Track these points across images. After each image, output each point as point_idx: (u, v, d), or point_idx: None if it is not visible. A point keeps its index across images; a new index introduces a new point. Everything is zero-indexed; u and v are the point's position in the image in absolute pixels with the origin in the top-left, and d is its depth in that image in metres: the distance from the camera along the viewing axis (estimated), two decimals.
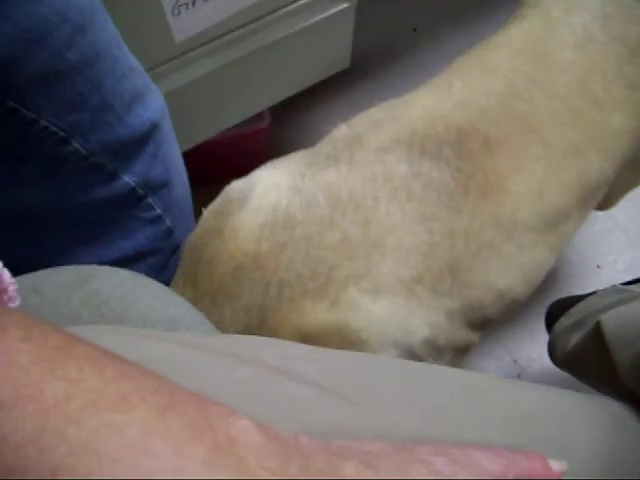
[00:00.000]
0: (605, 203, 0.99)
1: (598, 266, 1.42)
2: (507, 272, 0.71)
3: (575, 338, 0.79)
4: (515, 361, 1.31)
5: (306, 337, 0.62)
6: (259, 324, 0.63)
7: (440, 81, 0.76)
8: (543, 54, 0.75)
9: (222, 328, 0.63)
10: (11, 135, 0.65)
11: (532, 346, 1.33)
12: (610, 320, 0.67)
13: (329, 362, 0.45)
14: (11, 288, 0.32)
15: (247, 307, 0.63)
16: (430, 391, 0.43)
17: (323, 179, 0.68)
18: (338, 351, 0.49)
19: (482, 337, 1.32)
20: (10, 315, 0.28)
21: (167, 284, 0.71)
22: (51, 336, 0.28)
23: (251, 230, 0.65)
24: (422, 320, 0.66)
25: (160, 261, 0.84)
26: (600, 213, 1.48)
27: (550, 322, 1.01)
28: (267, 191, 0.68)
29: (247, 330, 0.63)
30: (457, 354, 0.75)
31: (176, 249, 0.85)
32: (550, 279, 1.40)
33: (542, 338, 1.32)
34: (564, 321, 0.90)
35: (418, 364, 0.48)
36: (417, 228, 0.65)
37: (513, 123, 0.71)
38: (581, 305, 0.89)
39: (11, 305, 0.33)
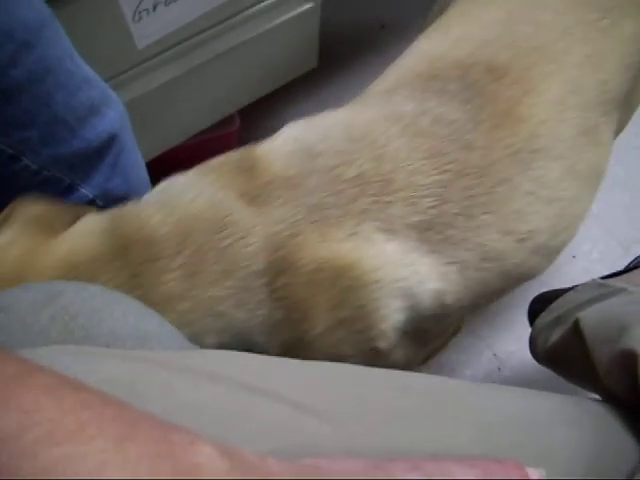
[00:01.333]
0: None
1: (573, 256, 1.43)
2: (528, 212, 0.66)
3: (555, 334, 0.79)
4: (495, 355, 1.31)
5: (321, 268, 0.61)
6: (284, 242, 0.62)
7: (437, 26, 0.74)
8: None
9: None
10: None
11: (511, 339, 1.33)
12: (588, 317, 0.67)
13: (302, 375, 0.44)
14: None
15: (277, 220, 0.62)
16: (405, 399, 0.42)
17: (338, 116, 0.68)
18: (312, 362, 0.48)
19: (460, 334, 1.33)
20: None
21: None
22: (7, 365, 0.27)
23: (280, 155, 0.65)
24: (432, 269, 0.63)
25: None
26: None
27: (533, 317, 1.01)
28: (289, 127, 0.69)
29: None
30: (461, 321, 0.73)
31: None
32: None
33: (521, 331, 1.33)
34: (545, 316, 0.90)
35: (394, 372, 0.48)
36: (427, 166, 0.62)
37: (517, 46, 0.67)
38: (561, 301, 0.89)
39: None
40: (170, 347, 0.59)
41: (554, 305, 0.90)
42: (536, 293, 1.35)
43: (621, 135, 0.90)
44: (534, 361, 1.30)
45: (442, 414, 0.41)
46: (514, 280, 0.71)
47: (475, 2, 0.73)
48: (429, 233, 0.63)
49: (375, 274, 0.61)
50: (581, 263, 1.42)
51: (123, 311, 0.57)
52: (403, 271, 0.62)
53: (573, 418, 0.48)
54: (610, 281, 0.88)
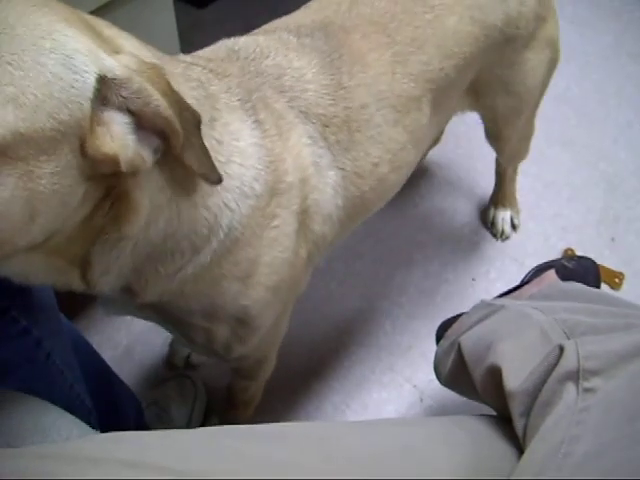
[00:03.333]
0: (499, 135, 1.22)
1: (473, 279, 1.50)
2: (377, 143, 0.84)
3: (450, 359, 0.83)
4: (414, 386, 1.35)
5: None
6: None
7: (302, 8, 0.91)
8: None
9: None
10: None
11: (427, 368, 1.36)
12: (467, 340, 0.71)
13: (180, 443, 0.46)
14: None
15: None
16: (285, 450, 0.45)
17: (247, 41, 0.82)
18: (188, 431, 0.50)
19: (377, 369, 1.36)
20: None
21: (43, 391, 0.70)
22: None
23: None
24: (330, 164, 0.79)
25: (32, 371, 0.82)
26: (468, 228, 1.57)
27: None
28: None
29: None
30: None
31: (48, 356, 0.83)
32: (431, 300, 1.46)
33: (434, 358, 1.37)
34: (443, 343, 0.94)
35: (270, 425, 0.50)
36: (312, 75, 0.79)
37: (361, 19, 0.86)
38: (455, 326, 0.93)
39: None
40: (70, 436, 0.60)
41: (449, 331, 0.94)
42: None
43: None
44: None
45: (319, 459, 0.44)
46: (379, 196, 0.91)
47: None
48: (327, 130, 0.78)
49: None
50: (481, 284, 1.49)
51: (25, 409, 0.58)
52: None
53: (451, 437, 0.51)
54: (496, 300, 0.93)
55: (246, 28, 0.88)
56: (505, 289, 1.34)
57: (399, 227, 1.55)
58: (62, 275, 0.61)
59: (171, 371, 1.33)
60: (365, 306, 1.44)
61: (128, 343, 1.37)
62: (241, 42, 0.81)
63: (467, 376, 0.73)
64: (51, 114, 0.46)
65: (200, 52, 0.79)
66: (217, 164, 0.61)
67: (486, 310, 0.85)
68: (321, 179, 0.78)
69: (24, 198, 0.47)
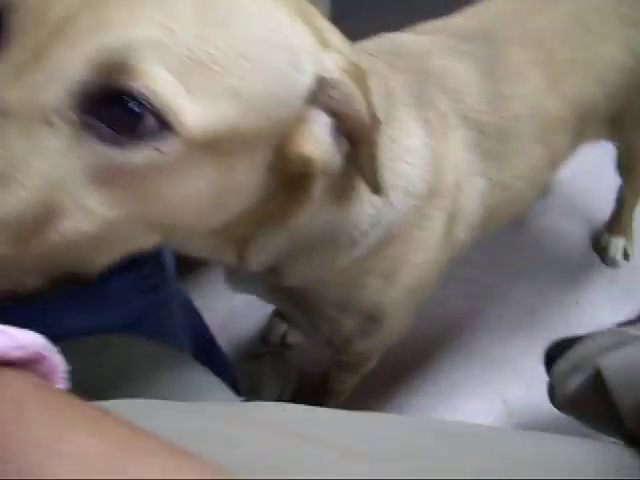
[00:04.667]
0: (632, 170, 1.21)
1: (577, 302, 1.46)
2: (522, 157, 0.83)
3: (574, 382, 0.81)
4: (505, 401, 1.33)
5: None
6: None
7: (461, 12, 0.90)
8: None
9: None
10: None
11: (520, 385, 1.35)
12: (610, 366, 0.69)
13: (352, 425, 0.46)
14: (62, 376, 0.33)
15: None
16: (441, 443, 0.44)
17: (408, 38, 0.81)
18: (355, 413, 0.50)
19: (469, 378, 1.35)
20: (79, 409, 0.29)
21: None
22: (117, 430, 0.29)
23: None
24: (479, 171, 0.78)
25: (157, 327, 0.84)
26: (577, 251, 1.53)
27: (549, 365, 1.02)
28: None
29: None
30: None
31: (170, 315, 0.85)
32: (532, 318, 1.43)
33: (529, 377, 1.35)
34: (562, 364, 0.91)
35: (427, 418, 0.50)
36: (473, 81, 0.78)
37: (521, 32, 0.85)
38: (578, 348, 0.90)
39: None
40: (213, 398, 0.61)
41: (571, 353, 0.91)
42: (543, 340, 1.38)
43: None
44: (543, 406, 1.32)
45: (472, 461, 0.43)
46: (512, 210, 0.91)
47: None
48: (482, 137, 0.77)
49: None
50: (585, 309, 1.45)
51: (175, 363, 0.59)
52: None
53: (602, 467, 0.50)
54: (626, 329, 0.90)
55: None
56: (609, 317, 1.31)
57: (510, 239, 1.53)
58: (220, 251, 0.62)
59: (266, 347, 1.35)
60: (466, 313, 1.42)
61: (226, 314, 1.39)
62: (403, 39, 0.80)
63: (598, 400, 0.71)
64: (267, 112, 0.44)
65: (362, 44, 0.78)
66: (387, 162, 0.61)
67: (617, 338, 0.83)
68: (470, 185, 0.78)
69: (217, 190, 0.46)
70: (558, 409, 0.95)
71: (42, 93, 0.38)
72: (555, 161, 0.91)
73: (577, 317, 1.43)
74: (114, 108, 0.39)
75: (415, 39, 0.80)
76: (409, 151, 0.66)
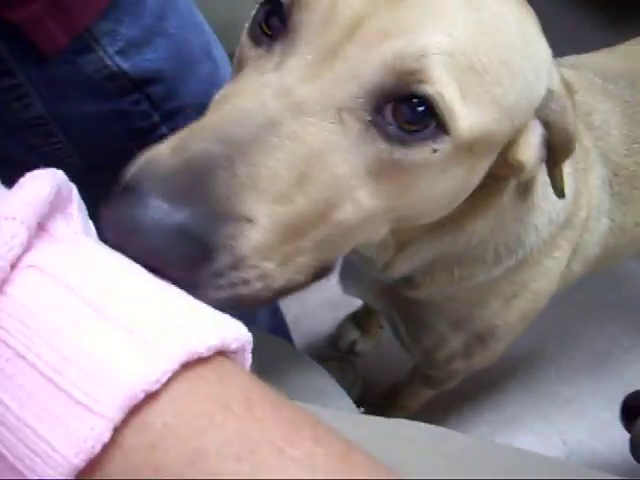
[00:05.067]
0: None
1: None
2: None
3: None
4: (564, 442, 1.31)
5: None
6: None
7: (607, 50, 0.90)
8: None
9: None
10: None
11: (582, 428, 1.33)
12: None
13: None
14: (248, 347, 0.33)
15: None
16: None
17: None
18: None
19: (531, 413, 1.33)
20: (297, 411, 0.29)
21: None
22: (336, 441, 0.29)
23: None
24: (605, 211, 0.78)
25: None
26: None
27: (627, 415, 1.01)
28: None
29: None
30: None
31: None
32: (601, 361, 1.41)
33: (592, 420, 1.33)
34: None
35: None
36: (615, 122, 0.77)
37: None
38: None
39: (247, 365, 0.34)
40: (336, 405, 0.61)
41: None
42: (609, 386, 1.36)
43: None
44: (604, 453, 1.30)
45: None
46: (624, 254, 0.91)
47: None
48: (615, 179, 0.77)
49: None
50: None
51: (303, 368, 0.60)
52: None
53: None
54: None
55: None
56: None
57: (587, 279, 1.50)
58: (381, 252, 0.63)
59: (334, 351, 1.36)
60: (536, 347, 1.41)
61: (298, 313, 1.40)
62: None
63: None
64: (513, 119, 0.46)
65: None
66: (542, 185, 0.62)
67: None
68: (595, 223, 0.77)
69: (459, 187, 0.49)
70: (639, 462, 0.93)
71: (338, 92, 0.40)
72: None
73: None
74: (402, 109, 0.41)
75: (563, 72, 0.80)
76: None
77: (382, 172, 0.43)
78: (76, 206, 0.33)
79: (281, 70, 0.41)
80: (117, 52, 0.59)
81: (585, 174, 0.72)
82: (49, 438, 0.25)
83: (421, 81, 0.40)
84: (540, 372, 1.38)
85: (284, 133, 0.39)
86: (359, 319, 1.36)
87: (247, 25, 0.46)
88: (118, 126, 0.63)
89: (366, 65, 0.40)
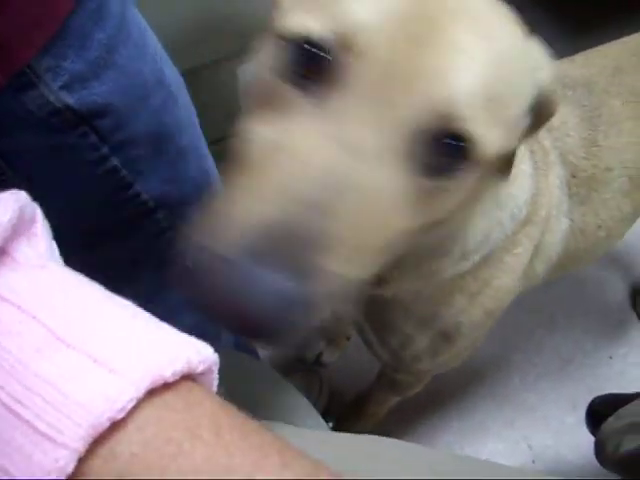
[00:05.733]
0: None
1: (610, 357, 1.46)
2: (606, 207, 0.85)
3: (630, 442, 0.80)
4: (530, 447, 1.33)
5: None
6: None
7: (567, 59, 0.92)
8: None
9: None
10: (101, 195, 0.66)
11: (548, 433, 1.34)
12: None
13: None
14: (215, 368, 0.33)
15: None
16: None
17: None
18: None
19: (497, 419, 1.34)
20: (265, 436, 0.29)
21: None
22: (304, 463, 0.29)
23: None
24: (565, 212, 0.81)
25: None
26: (618, 306, 1.53)
27: (592, 419, 1.02)
28: None
29: None
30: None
31: None
32: (564, 367, 1.43)
33: (558, 426, 1.35)
34: (613, 422, 0.91)
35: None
36: (573, 125, 0.80)
37: (623, 87, 0.86)
38: (632, 408, 0.90)
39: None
40: (304, 422, 0.61)
41: (624, 411, 0.91)
42: (572, 391, 1.38)
43: None
44: (568, 456, 1.32)
45: None
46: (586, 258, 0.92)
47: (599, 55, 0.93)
48: (573, 180, 0.79)
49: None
50: (617, 365, 1.45)
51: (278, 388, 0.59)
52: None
53: None
54: None
55: None
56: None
57: (550, 286, 1.53)
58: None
59: (300, 364, 1.35)
60: (499, 354, 1.42)
61: None
62: None
63: None
64: (515, 131, 0.50)
65: None
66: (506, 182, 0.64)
67: None
68: (556, 223, 0.79)
69: (470, 198, 0.52)
70: (603, 466, 0.94)
71: (394, 138, 0.43)
72: (636, 217, 0.93)
73: (608, 372, 1.43)
74: (439, 145, 0.44)
75: None
76: (522, 175, 0.69)
77: (418, 201, 0.46)
78: (40, 225, 0.32)
79: (337, 118, 0.43)
80: (61, 87, 0.57)
81: (545, 174, 0.74)
82: (12, 471, 0.24)
83: (456, 120, 0.43)
84: (504, 378, 1.40)
85: (355, 187, 0.42)
86: (325, 330, 1.36)
87: (267, 60, 0.46)
88: (66, 159, 0.62)
89: (408, 109, 0.42)
